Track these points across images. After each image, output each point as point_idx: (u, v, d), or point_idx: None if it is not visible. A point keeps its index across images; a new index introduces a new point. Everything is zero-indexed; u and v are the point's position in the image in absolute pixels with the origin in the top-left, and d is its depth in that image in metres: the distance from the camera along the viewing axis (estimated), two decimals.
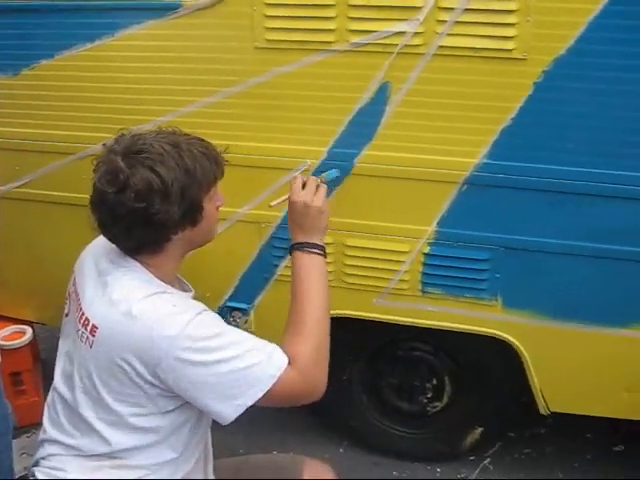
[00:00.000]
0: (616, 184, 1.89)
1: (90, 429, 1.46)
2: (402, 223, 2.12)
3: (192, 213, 1.46)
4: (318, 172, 2.04)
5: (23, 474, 2.02)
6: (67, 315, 1.61)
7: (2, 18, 2.25)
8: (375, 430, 2.65)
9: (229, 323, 2.28)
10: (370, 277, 2.22)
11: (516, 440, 2.77)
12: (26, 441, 2.72)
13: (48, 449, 1.53)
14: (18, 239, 2.59)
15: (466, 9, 1.82)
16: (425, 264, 2.15)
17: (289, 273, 1.66)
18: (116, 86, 2.20)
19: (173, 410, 1.45)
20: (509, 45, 1.83)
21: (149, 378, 1.38)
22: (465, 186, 2.01)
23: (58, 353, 1.60)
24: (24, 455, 2.62)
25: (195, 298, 1.59)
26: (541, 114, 1.88)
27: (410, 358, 2.51)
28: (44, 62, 2.24)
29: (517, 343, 2.17)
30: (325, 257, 1.67)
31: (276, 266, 2.28)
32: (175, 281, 1.59)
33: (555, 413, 2.31)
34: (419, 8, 1.85)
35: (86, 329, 1.45)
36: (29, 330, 2.77)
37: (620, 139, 1.86)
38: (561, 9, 1.77)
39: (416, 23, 1.86)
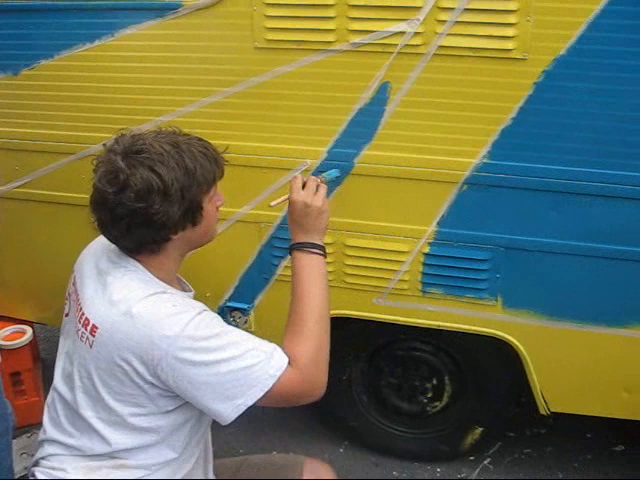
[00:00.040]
0: (616, 184, 1.89)
1: (90, 429, 1.46)
2: (402, 223, 2.12)
3: (192, 213, 1.47)
4: (318, 172, 2.04)
5: (23, 474, 2.02)
6: (67, 315, 1.61)
7: (2, 18, 2.25)
8: (375, 430, 2.65)
9: (229, 323, 2.28)
10: (370, 277, 2.22)
11: (516, 440, 2.77)
12: (26, 441, 2.73)
13: (48, 449, 1.54)
14: (18, 239, 2.59)
15: (466, 9, 1.82)
16: (425, 264, 2.15)
17: (289, 273, 1.66)
18: (116, 86, 2.20)
19: (173, 410, 1.45)
20: (509, 45, 1.83)
21: (149, 378, 1.39)
22: (465, 186, 2.01)
23: (58, 353, 1.60)
24: (24, 455, 2.62)
25: (195, 298, 1.59)
26: (541, 114, 1.88)
27: (410, 358, 2.51)
28: (44, 62, 2.24)
29: (517, 343, 2.17)
30: (325, 257, 1.67)
31: (276, 266, 2.28)
32: (175, 281, 1.59)
33: (555, 413, 2.30)
34: (419, 8, 1.85)
35: (86, 329, 1.45)
36: (29, 330, 2.77)
37: (620, 139, 1.86)
38: (561, 9, 1.77)
39: (416, 23, 1.86)
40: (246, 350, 1.39)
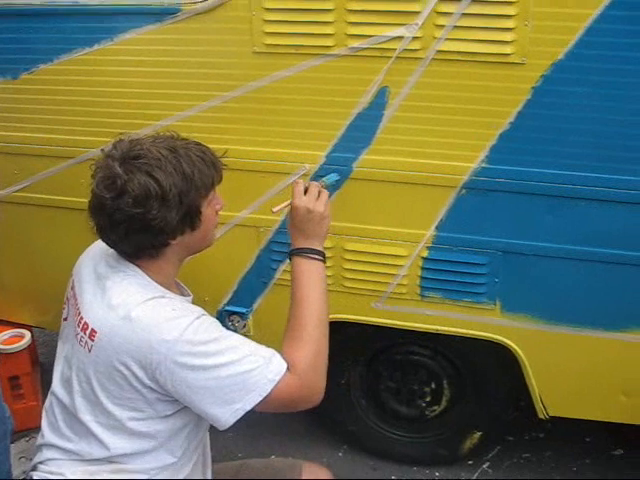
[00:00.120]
0: (614, 188, 1.90)
1: (88, 433, 1.46)
2: (401, 227, 2.12)
3: (190, 218, 1.47)
4: (317, 177, 2.04)
5: (21, 478, 2.02)
6: (66, 319, 1.61)
7: (2, 22, 2.25)
8: (374, 434, 2.65)
9: (227, 327, 2.28)
10: (369, 281, 2.22)
11: (515, 444, 2.77)
12: (25, 445, 2.73)
13: (46, 453, 1.53)
14: (17, 243, 2.59)
15: (464, 14, 1.82)
16: (424, 268, 2.15)
17: (288, 277, 1.66)
18: (115, 90, 2.20)
19: (172, 414, 1.45)
20: (507, 50, 1.83)
21: (148, 382, 1.39)
22: (463, 190, 2.01)
23: (56, 357, 1.60)
24: (22, 459, 2.62)
25: (194, 302, 1.59)
26: (539, 119, 1.88)
27: (409, 362, 2.51)
28: (43, 66, 2.24)
29: (515, 347, 2.17)
30: (325, 263, 1.67)
31: (274, 270, 2.28)
32: (174, 285, 1.59)
33: (554, 417, 2.30)
34: (417, 13, 1.85)
35: (85, 333, 1.45)
36: (28, 334, 2.77)
37: (618, 143, 1.86)
38: (559, 14, 1.77)
39: (414, 28, 1.87)
40: (245, 355, 1.39)
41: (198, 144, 1.51)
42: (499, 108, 1.90)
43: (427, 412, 2.58)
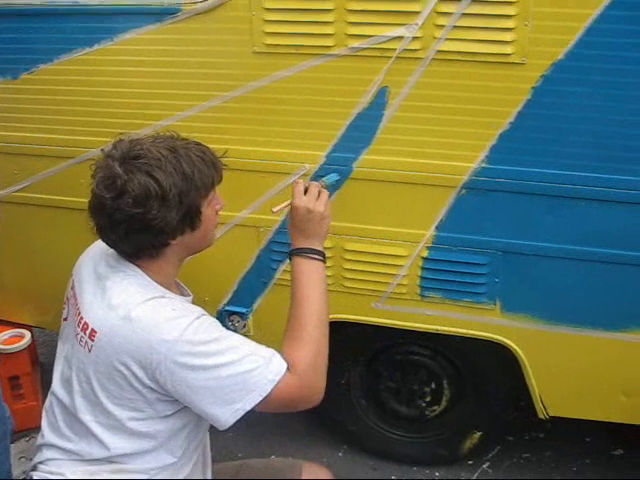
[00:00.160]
0: (614, 188, 1.90)
1: (88, 433, 1.46)
2: (401, 227, 2.12)
3: (190, 218, 1.47)
4: (317, 176, 2.04)
5: (21, 478, 2.02)
6: (66, 319, 1.61)
7: (2, 22, 2.25)
8: (374, 434, 2.65)
9: (227, 327, 2.28)
10: (369, 281, 2.22)
11: (515, 444, 2.77)
12: (25, 445, 2.73)
13: (46, 453, 1.53)
14: (17, 243, 2.59)
15: (464, 14, 1.82)
16: (424, 268, 2.15)
17: (287, 277, 1.66)
18: (115, 90, 2.20)
19: (172, 414, 1.45)
20: (507, 49, 1.83)
21: (148, 382, 1.39)
22: (463, 190, 2.01)
23: (56, 357, 1.60)
24: (22, 459, 2.62)
25: (194, 302, 1.59)
26: (539, 119, 1.88)
27: (409, 362, 2.51)
28: (43, 66, 2.24)
29: (515, 347, 2.17)
30: (325, 263, 1.67)
31: (274, 270, 2.28)
32: (174, 285, 1.59)
33: (554, 417, 2.30)
34: (417, 13, 1.85)
35: (85, 333, 1.45)
36: (28, 334, 2.77)
37: (618, 143, 1.86)
38: (559, 14, 1.77)
39: (414, 28, 1.87)
40: (245, 355, 1.39)
41: (198, 144, 1.51)
42: (499, 108, 1.90)
43: (427, 412, 2.58)
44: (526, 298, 2.12)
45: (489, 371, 2.39)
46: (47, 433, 1.55)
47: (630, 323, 2.06)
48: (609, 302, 2.05)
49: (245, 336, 1.46)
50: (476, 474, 2.62)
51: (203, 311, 1.46)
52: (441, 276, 2.15)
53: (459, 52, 1.87)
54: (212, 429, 1.56)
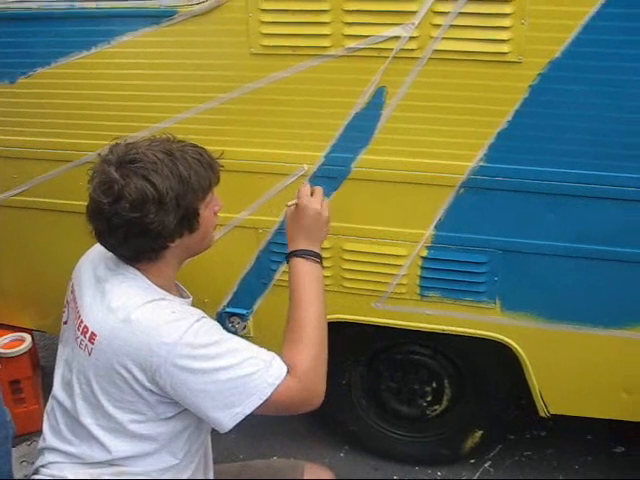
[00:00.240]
0: (612, 186, 1.90)
1: (89, 436, 1.46)
2: (400, 227, 2.12)
3: (188, 220, 1.47)
4: (316, 177, 2.05)
5: None
6: (66, 322, 1.61)
7: None
8: (375, 434, 2.65)
9: (228, 329, 2.29)
10: (368, 281, 2.22)
11: (516, 443, 2.77)
12: (26, 449, 2.73)
13: (48, 457, 1.53)
14: (17, 247, 2.59)
15: (461, 13, 1.82)
16: (423, 268, 2.15)
17: (287, 278, 1.66)
18: (113, 93, 2.20)
19: (172, 417, 1.45)
20: (504, 48, 1.83)
21: (148, 385, 1.39)
22: (462, 189, 2.01)
23: (57, 360, 1.60)
24: (24, 463, 2.62)
25: (193, 304, 1.59)
26: (537, 117, 1.88)
27: (409, 362, 2.51)
28: (41, 70, 2.24)
29: (516, 346, 2.17)
30: (322, 266, 1.67)
31: (274, 271, 2.28)
32: (173, 288, 1.59)
33: (555, 415, 2.30)
34: (414, 12, 1.85)
35: (85, 336, 1.45)
36: (28, 338, 2.77)
37: (616, 141, 1.86)
38: (556, 12, 1.77)
39: (411, 27, 1.87)
40: (245, 358, 1.39)
41: (195, 146, 1.51)
42: (497, 107, 1.90)
43: (428, 412, 2.58)
44: (526, 296, 2.12)
45: (490, 370, 2.39)
46: (49, 436, 1.55)
47: (630, 320, 2.06)
48: (609, 299, 2.05)
49: (245, 337, 1.46)
50: (478, 473, 2.62)
51: (203, 314, 1.46)
52: (441, 275, 2.15)
53: (456, 51, 1.87)
54: (213, 431, 1.56)
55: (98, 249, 1.57)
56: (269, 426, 2.79)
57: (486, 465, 2.66)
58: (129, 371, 1.39)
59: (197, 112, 2.12)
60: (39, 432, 1.61)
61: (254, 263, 2.30)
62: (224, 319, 2.39)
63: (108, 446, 1.45)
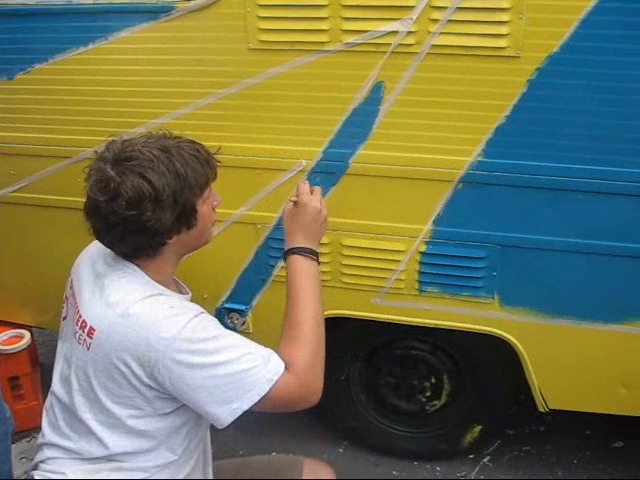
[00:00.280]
0: (610, 180, 1.90)
1: (88, 431, 1.46)
2: (398, 222, 2.12)
3: (186, 217, 1.46)
4: (314, 172, 2.05)
5: (23, 478, 2.02)
6: (65, 318, 1.61)
7: None
8: (374, 429, 2.65)
9: (226, 325, 2.29)
10: (367, 277, 2.22)
11: (515, 438, 2.77)
12: (26, 445, 2.73)
13: (47, 452, 1.53)
14: (15, 243, 2.59)
15: (459, 7, 1.82)
16: (422, 263, 2.16)
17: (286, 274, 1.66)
18: (110, 89, 2.20)
19: (171, 412, 1.45)
20: (502, 43, 1.83)
21: (146, 380, 1.39)
22: (460, 184, 2.01)
23: (56, 356, 1.60)
24: (23, 459, 2.62)
25: (192, 300, 1.59)
26: (535, 112, 1.88)
27: (408, 357, 2.51)
28: (39, 66, 2.24)
29: (515, 341, 2.18)
30: (319, 264, 1.66)
31: (273, 267, 2.28)
32: (172, 283, 1.59)
33: (554, 410, 2.31)
34: (412, 7, 1.85)
35: (84, 331, 1.45)
36: (27, 334, 2.77)
37: (615, 135, 1.86)
38: (554, 6, 1.77)
39: (409, 22, 1.87)
40: (243, 354, 1.39)
41: (191, 142, 1.50)
42: (495, 101, 1.90)
43: (427, 407, 2.58)
44: (525, 291, 2.12)
45: (489, 365, 2.39)
46: (47, 432, 1.55)
47: (629, 315, 2.06)
48: (608, 294, 2.06)
49: (244, 333, 1.46)
50: (477, 468, 2.63)
51: (201, 309, 1.46)
52: (439, 270, 2.15)
53: (454, 46, 1.87)
54: (212, 426, 1.56)
55: (97, 245, 1.56)
56: (268, 422, 2.79)
57: (485, 460, 2.66)
58: (128, 366, 1.38)
59: (195, 108, 2.12)
60: (38, 428, 1.61)
61: (253, 259, 2.30)
62: (223, 315, 2.39)
63: (106, 442, 1.45)
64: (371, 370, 2.58)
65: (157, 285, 1.49)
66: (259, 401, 1.37)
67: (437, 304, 2.19)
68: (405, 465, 2.65)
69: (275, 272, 2.29)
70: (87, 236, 1.53)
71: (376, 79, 1.95)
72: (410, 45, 1.89)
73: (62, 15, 2.17)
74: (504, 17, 1.80)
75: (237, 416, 1.38)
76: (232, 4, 1.98)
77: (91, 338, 1.42)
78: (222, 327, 1.44)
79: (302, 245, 1.63)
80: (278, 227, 2.19)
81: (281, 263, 2.23)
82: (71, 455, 1.49)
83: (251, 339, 1.44)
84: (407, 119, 1.98)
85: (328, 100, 2.01)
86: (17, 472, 2.19)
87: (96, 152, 1.49)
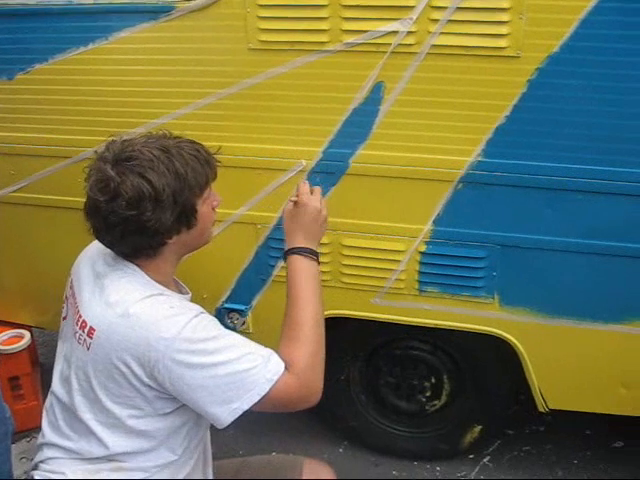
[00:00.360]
0: (610, 180, 1.90)
1: (88, 431, 1.46)
2: (398, 222, 2.12)
3: (186, 217, 1.46)
4: (314, 172, 2.04)
5: (23, 478, 2.02)
6: (65, 318, 1.61)
7: None
8: (374, 429, 2.65)
9: (226, 325, 2.29)
10: (367, 277, 2.22)
11: (515, 438, 2.77)
12: (26, 445, 2.73)
13: (47, 452, 1.53)
14: (15, 243, 2.59)
15: (459, 7, 1.82)
16: (422, 263, 2.16)
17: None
18: (111, 89, 2.20)
19: (171, 412, 1.45)
20: (502, 43, 1.83)
21: (146, 380, 1.39)
22: (460, 184, 2.01)
23: (56, 356, 1.60)
24: (24, 459, 2.62)
25: (192, 300, 1.59)
26: (535, 112, 1.88)
27: (408, 357, 2.51)
28: (39, 66, 2.24)
29: (514, 341, 2.18)
30: (319, 264, 1.66)
31: (273, 267, 2.28)
32: (172, 283, 1.59)
33: (554, 410, 2.31)
34: (412, 7, 1.85)
35: (84, 331, 1.45)
36: (27, 334, 2.77)
37: (615, 135, 1.86)
38: (554, 6, 1.77)
39: (409, 22, 1.87)
40: (243, 354, 1.39)
41: (191, 142, 1.50)
42: (495, 102, 1.90)
43: (427, 407, 2.58)
44: (525, 291, 2.12)
45: (489, 365, 2.39)
46: (47, 432, 1.55)
47: (629, 315, 2.06)
48: (608, 294, 2.06)
49: (244, 333, 1.46)
50: (477, 468, 2.63)
51: (201, 309, 1.46)
52: (439, 270, 2.15)
53: (454, 46, 1.87)
54: (212, 426, 1.56)
55: (97, 245, 1.56)
56: (268, 422, 2.79)
57: (485, 460, 2.66)
58: (128, 366, 1.38)
59: (195, 108, 2.12)
60: (38, 428, 1.61)
61: (253, 259, 2.30)
62: (223, 315, 2.39)
63: (106, 442, 1.45)
64: (371, 370, 2.57)
65: (157, 285, 1.49)
66: (259, 401, 1.37)
67: (437, 304, 2.19)
68: (405, 465, 2.65)
69: (275, 272, 2.29)
70: (87, 236, 1.53)
71: (376, 79, 1.95)
72: (410, 45, 1.89)
73: (62, 15, 2.17)
74: (504, 17, 1.80)
75: (237, 416, 1.38)
76: (232, 4, 1.98)
77: (91, 338, 1.42)
78: (222, 327, 1.44)
79: (302, 245, 1.63)
80: (278, 227, 2.19)
81: (281, 263, 2.23)
82: (71, 455, 1.49)
83: (251, 339, 1.44)
84: (407, 119, 1.98)
85: (328, 100, 2.01)
86: (17, 472, 2.19)
87: (96, 152, 1.49)
